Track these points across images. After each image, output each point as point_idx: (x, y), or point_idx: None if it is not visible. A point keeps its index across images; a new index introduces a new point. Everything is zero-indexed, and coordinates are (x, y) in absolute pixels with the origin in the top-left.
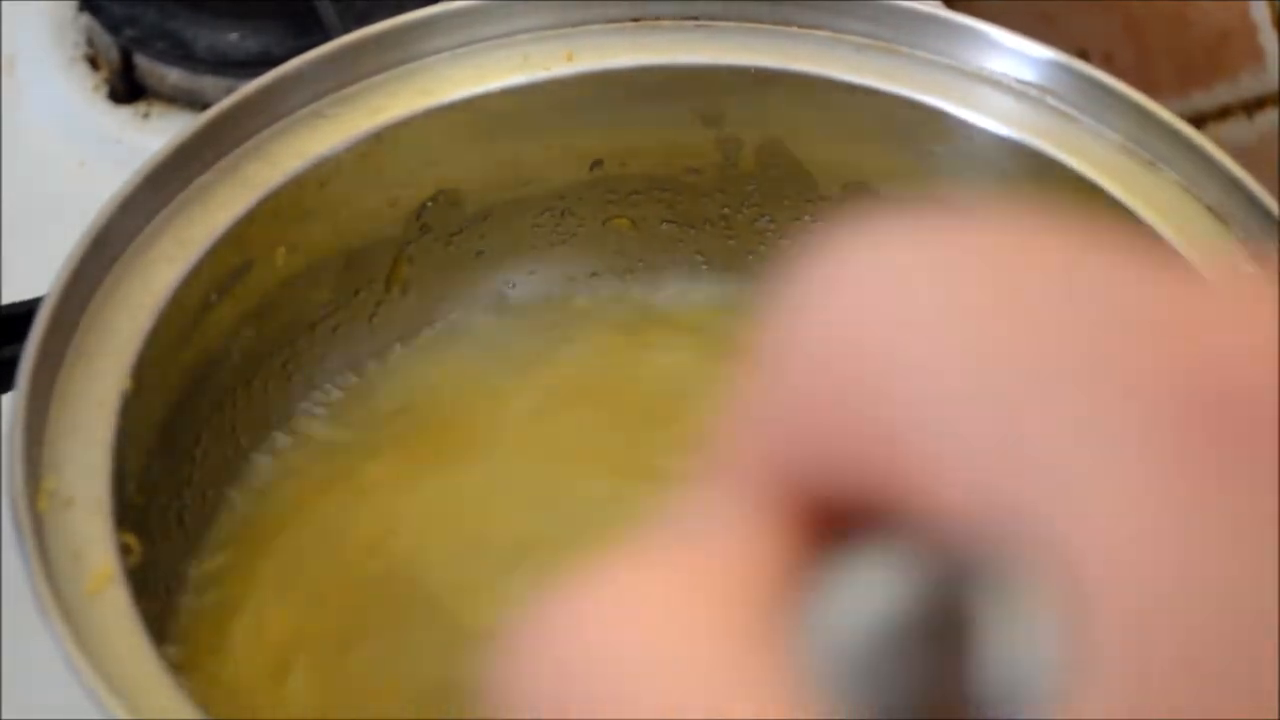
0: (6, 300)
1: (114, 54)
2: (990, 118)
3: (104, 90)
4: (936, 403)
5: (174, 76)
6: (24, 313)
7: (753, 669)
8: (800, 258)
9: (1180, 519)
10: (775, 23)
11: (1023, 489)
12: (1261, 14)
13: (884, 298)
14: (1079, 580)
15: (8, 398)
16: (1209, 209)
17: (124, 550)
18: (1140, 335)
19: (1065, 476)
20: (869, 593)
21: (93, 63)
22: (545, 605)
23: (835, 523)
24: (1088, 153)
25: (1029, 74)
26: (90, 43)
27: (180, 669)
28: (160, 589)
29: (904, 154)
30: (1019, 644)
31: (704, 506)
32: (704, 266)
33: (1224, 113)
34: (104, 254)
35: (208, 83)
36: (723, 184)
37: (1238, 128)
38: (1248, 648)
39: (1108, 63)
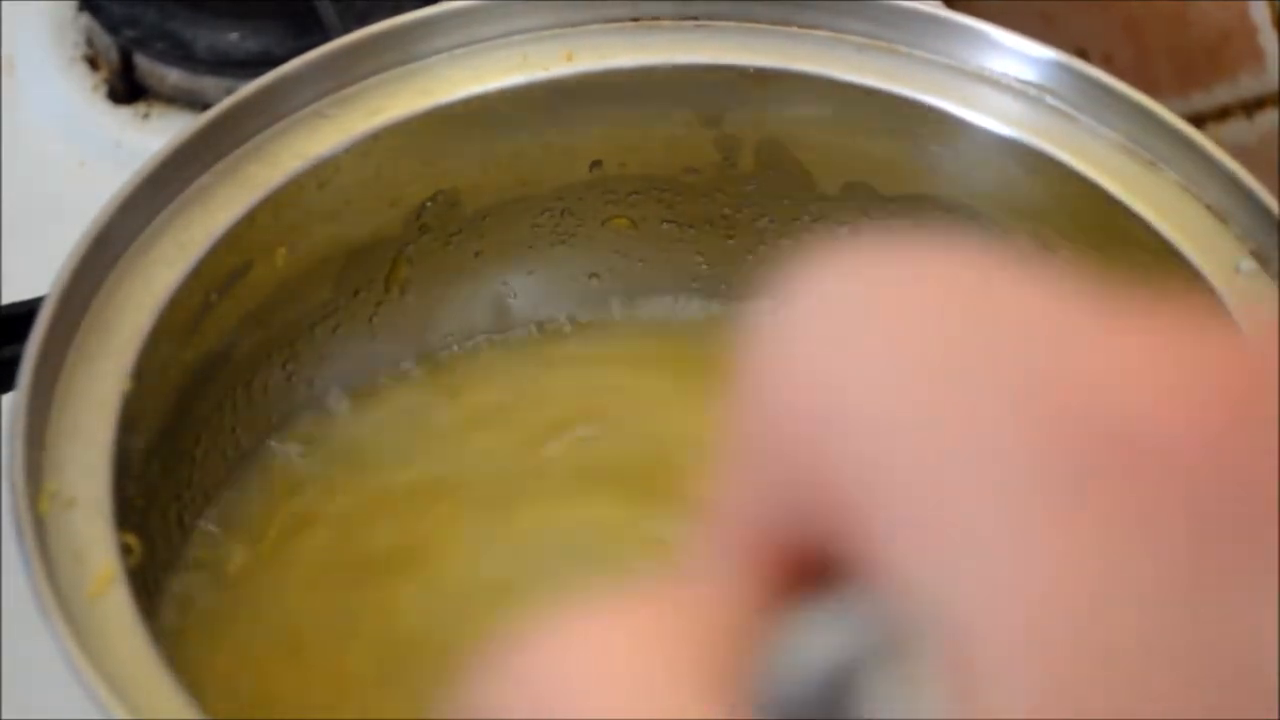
0: (6, 300)
1: (114, 54)
2: (990, 117)
3: (104, 90)
4: (879, 456)
5: (174, 77)
6: (24, 313)
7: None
8: (772, 292)
9: (1078, 579)
10: (775, 23)
11: (934, 548)
12: (1261, 14)
13: (848, 349)
14: (975, 653)
15: (8, 398)
16: (1209, 208)
17: (125, 551)
18: (1058, 387)
19: (975, 539)
20: (807, 651)
21: (92, 63)
22: (515, 648)
23: (803, 571)
24: (1087, 152)
25: (1029, 73)
26: (90, 43)
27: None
28: (159, 589)
29: (904, 153)
30: (899, 705)
31: (684, 553)
32: (703, 267)
33: (1224, 113)
34: (104, 255)
35: (208, 83)
36: (722, 184)
37: (1238, 128)
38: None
39: (1107, 63)
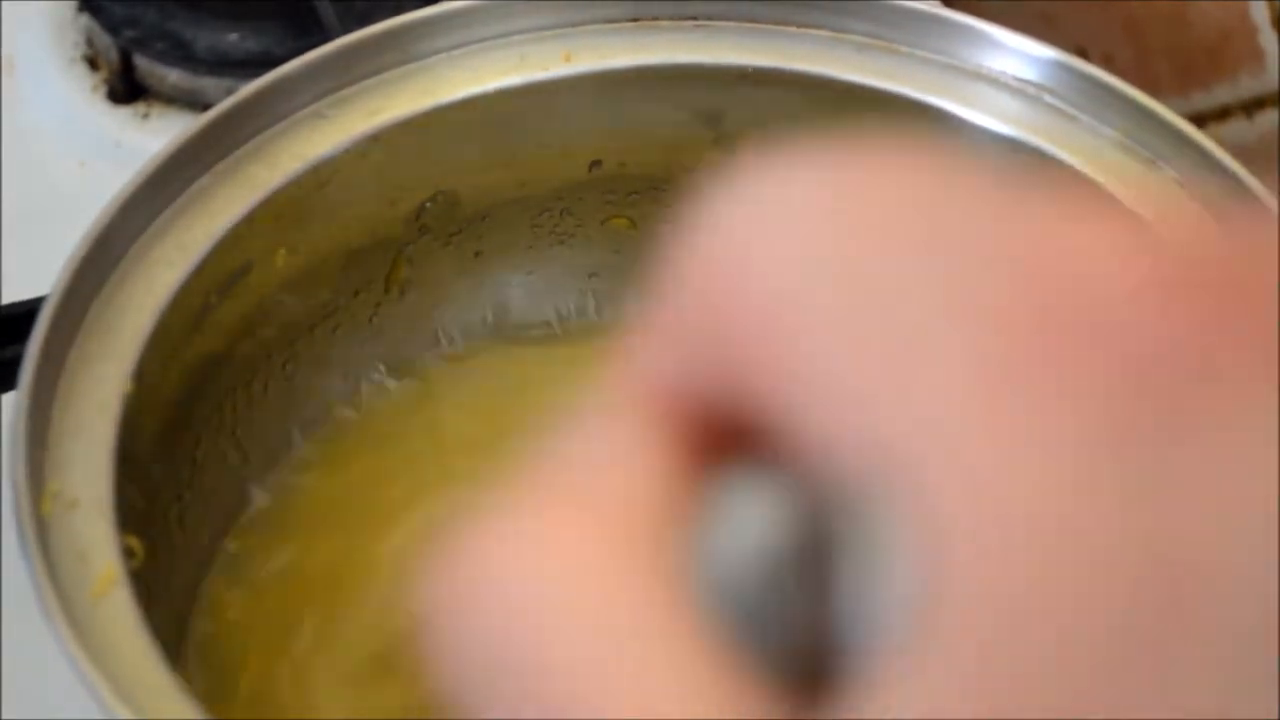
0: (6, 300)
1: (114, 54)
2: (990, 116)
3: (104, 91)
4: (811, 336)
5: (174, 77)
6: (23, 313)
7: (655, 607)
8: (702, 192)
9: (1027, 447)
10: (774, 22)
11: (884, 424)
12: (1261, 14)
13: (775, 232)
14: (934, 514)
15: (10, 400)
16: (1208, 206)
17: (127, 553)
18: (992, 266)
19: (923, 411)
20: (745, 524)
21: (92, 63)
22: (454, 557)
23: (724, 447)
24: (1087, 151)
25: (1028, 72)
26: (90, 43)
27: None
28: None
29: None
30: (875, 576)
31: (601, 433)
32: None
33: (1224, 113)
34: (105, 256)
35: (208, 83)
36: None
37: (1237, 128)
38: (1097, 571)
39: (1107, 63)
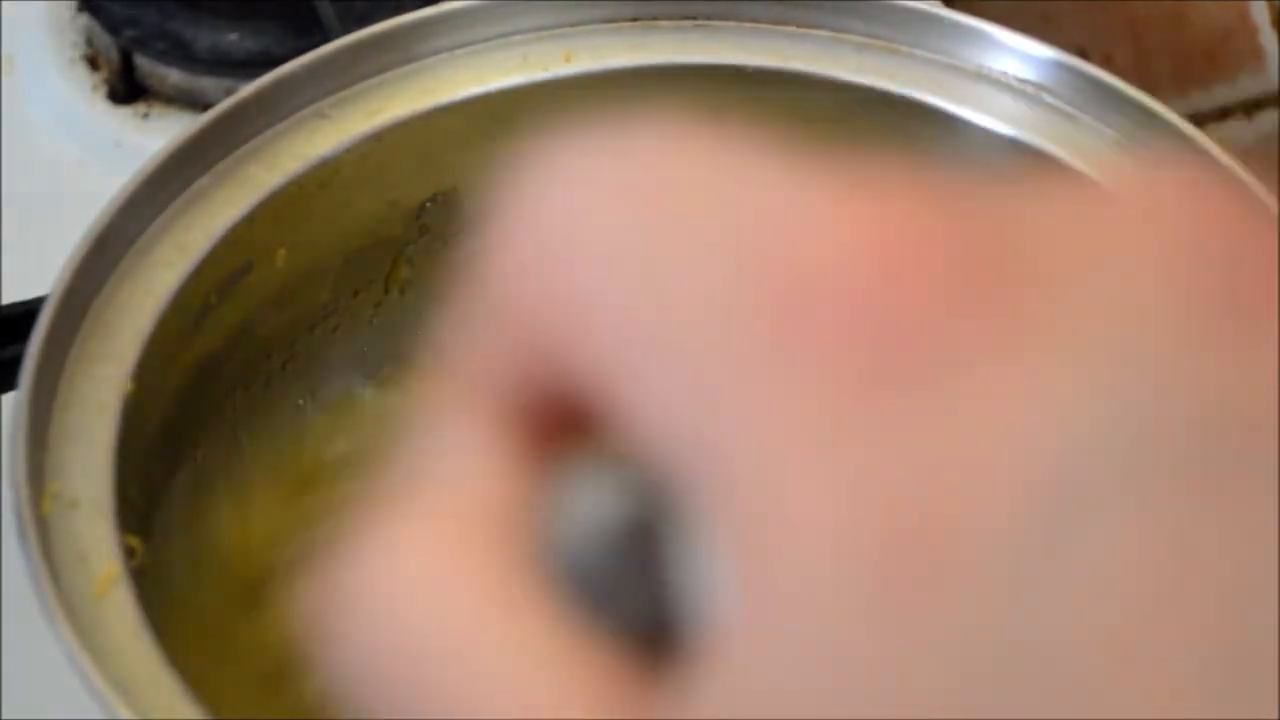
0: (6, 300)
1: (114, 54)
2: (990, 116)
3: (104, 90)
4: (616, 332)
5: (174, 76)
6: (23, 313)
7: (509, 589)
8: (511, 176)
9: (806, 429)
10: (773, 22)
11: (685, 421)
12: (1261, 14)
13: (578, 223)
14: (741, 504)
15: (9, 399)
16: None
17: (128, 553)
18: (757, 244)
19: (715, 408)
20: (584, 507)
21: (92, 63)
22: (332, 569)
23: (560, 434)
24: (1087, 150)
25: (1028, 72)
26: (90, 43)
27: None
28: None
29: (902, 152)
30: (698, 559)
31: (445, 435)
32: None
33: (1223, 113)
34: (105, 256)
35: (207, 83)
36: None
37: (1237, 128)
38: (854, 532)
39: (1107, 63)
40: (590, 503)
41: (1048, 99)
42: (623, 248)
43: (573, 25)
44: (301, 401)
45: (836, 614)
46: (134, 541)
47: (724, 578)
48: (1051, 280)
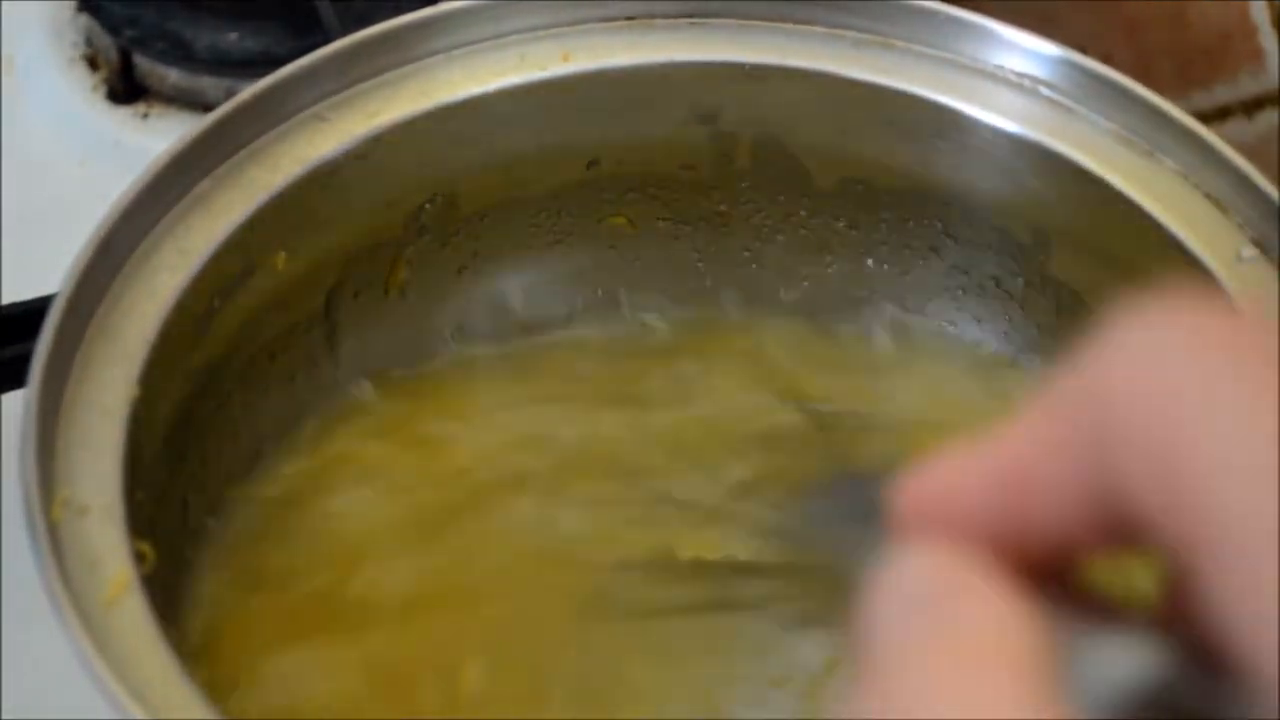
0: (7, 300)
1: (113, 54)
2: (990, 111)
3: (103, 90)
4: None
5: (174, 76)
6: (24, 312)
7: None
8: (1103, 330)
9: None
10: (770, 19)
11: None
12: (1261, 14)
13: (1172, 375)
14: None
15: (15, 404)
16: (1209, 197)
17: (138, 558)
18: None
19: None
20: (1114, 662)
21: (92, 63)
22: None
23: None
24: (1088, 145)
25: (1028, 67)
26: (90, 43)
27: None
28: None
29: (902, 149)
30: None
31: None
32: (700, 264)
33: (1223, 113)
34: (108, 262)
35: (207, 83)
36: (718, 181)
37: (1237, 128)
38: None
39: (1108, 62)
40: (1119, 663)
41: (1046, 93)
42: (1216, 403)
43: (570, 25)
44: (303, 403)
45: None
46: (144, 547)
47: None
48: None
